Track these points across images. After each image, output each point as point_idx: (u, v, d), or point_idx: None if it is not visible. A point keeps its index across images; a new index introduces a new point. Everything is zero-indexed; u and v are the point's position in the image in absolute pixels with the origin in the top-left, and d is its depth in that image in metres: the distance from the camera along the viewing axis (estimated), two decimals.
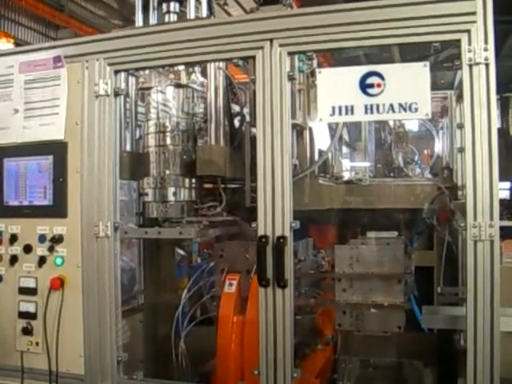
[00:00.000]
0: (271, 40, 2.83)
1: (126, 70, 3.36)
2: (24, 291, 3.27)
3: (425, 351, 3.76)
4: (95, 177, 3.14)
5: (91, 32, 13.18)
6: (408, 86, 2.72)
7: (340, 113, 2.79)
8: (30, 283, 3.27)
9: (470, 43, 2.56)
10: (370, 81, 2.75)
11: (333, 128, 4.22)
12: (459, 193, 3.91)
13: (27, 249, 3.28)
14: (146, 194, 3.66)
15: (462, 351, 2.68)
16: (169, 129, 3.66)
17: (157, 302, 4.13)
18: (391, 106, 2.72)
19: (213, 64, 3.56)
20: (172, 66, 3.54)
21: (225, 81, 3.70)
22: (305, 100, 3.97)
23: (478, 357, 2.55)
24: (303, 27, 2.79)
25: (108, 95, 3.14)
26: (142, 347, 3.98)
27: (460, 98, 3.46)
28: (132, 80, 3.90)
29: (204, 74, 3.75)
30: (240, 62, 3.07)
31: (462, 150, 2.95)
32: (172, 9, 3.77)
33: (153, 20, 3.83)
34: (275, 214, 2.81)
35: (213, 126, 3.59)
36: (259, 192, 2.85)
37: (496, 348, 2.53)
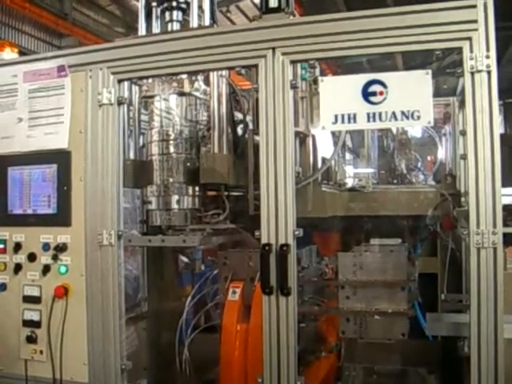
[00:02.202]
0: (273, 49, 2.84)
1: (129, 79, 3.37)
2: (28, 299, 3.28)
3: (429, 358, 3.75)
4: (99, 185, 3.15)
5: (95, 40, 13.27)
6: (410, 93, 2.72)
7: (342, 121, 2.80)
8: (34, 291, 3.27)
9: (471, 51, 2.57)
10: (372, 89, 2.76)
11: (336, 135, 4.23)
12: (462, 199, 3.90)
13: (31, 257, 3.29)
14: (150, 202, 3.67)
15: (466, 358, 2.68)
16: (172, 137, 3.67)
17: (160, 310, 4.13)
18: (393, 113, 2.73)
19: (215, 72, 3.58)
20: (175, 74, 3.55)
21: (228, 88, 3.71)
22: (308, 107, 3.97)
23: (482, 364, 2.54)
24: (305, 36, 2.80)
25: (111, 104, 3.15)
26: (146, 355, 3.97)
27: (462, 104, 3.46)
28: (135, 88, 3.91)
29: (207, 81, 3.76)
30: (242, 71, 3.07)
31: (464, 156, 2.95)
32: (175, 17, 3.80)
33: (156, 29, 3.85)
34: (278, 221, 2.81)
35: (216, 133, 3.61)
36: (262, 200, 2.86)
37: (500, 355, 2.53)
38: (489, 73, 2.56)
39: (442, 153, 6.76)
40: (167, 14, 3.81)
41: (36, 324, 3.25)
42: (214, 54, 2.97)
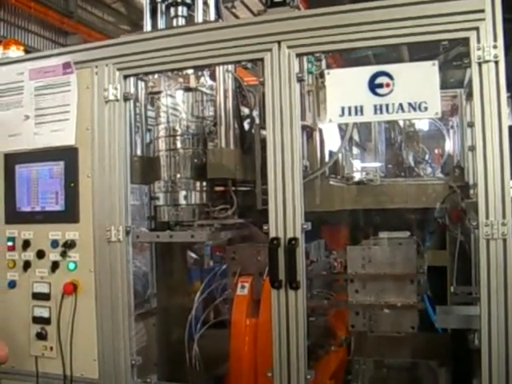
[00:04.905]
0: (279, 42, 2.83)
1: (135, 75, 3.37)
2: (37, 296, 3.30)
3: (439, 351, 3.74)
4: (106, 181, 3.15)
5: (100, 38, 13.25)
6: (417, 85, 2.71)
7: (349, 113, 2.79)
8: (43, 288, 3.29)
9: (478, 41, 2.55)
10: (378, 81, 2.74)
11: (343, 129, 4.22)
12: (471, 191, 3.89)
13: (40, 254, 3.30)
14: (158, 198, 3.67)
15: (477, 351, 2.67)
16: (179, 132, 3.67)
17: (170, 306, 4.13)
18: (400, 105, 2.71)
19: (221, 67, 3.57)
20: (181, 69, 3.55)
21: (234, 83, 3.71)
22: (314, 101, 3.96)
23: (493, 356, 2.53)
24: (311, 28, 2.79)
25: (117, 100, 3.15)
26: (156, 350, 3.98)
27: (470, 96, 3.44)
28: (141, 84, 3.91)
29: (213, 77, 3.76)
30: (249, 65, 3.06)
31: (472, 148, 2.93)
32: (180, 13, 3.78)
33: (161, 24, 3.84)
34: (286, 215, 2.81)
35: (223, 128, 3.60)
36: (270, 194, 2.85)
37: (511, 347, 2.51)
38: (496, 63, 2.53)
39: (449, 145, 6.74)
40: (172, 9, 3.80)
41: (46, 321, 3.26)
42: (220, 48, 2.96)
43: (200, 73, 3.74)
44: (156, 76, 3.73)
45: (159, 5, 3.85)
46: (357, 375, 3.83)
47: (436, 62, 2.72)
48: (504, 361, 2.52)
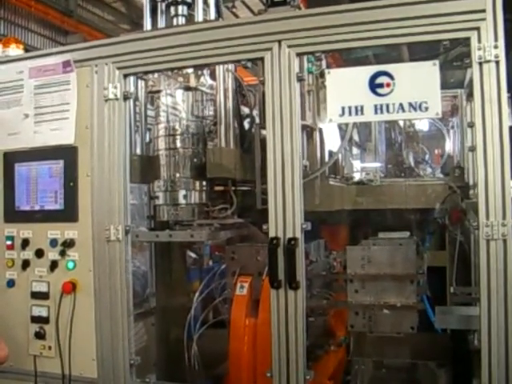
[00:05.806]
0: (279, 41, 2.82)
1: (134, 74, 3.36)
2: (36, 295, 3.29)
3: (438, 352, 3.73)
4: (105, 181, 3.15)
5: (100, 37, 13.27)
6: (418, 85, 2.70)
7: (350, 113, 2.78)
8: (42, 287, 3.28)
9: (479, 41, 2.54)
10: (379, 80, 2.73)
11: (343, 129, 4.22)
12: (471, 192, 3.88)
13: (39, 253, 3.29)
14: (157, 197, 3.67)
15: (477, 351, 2.66)
16: (179, 132, 3.66)
17: (169, 305, 4.13)
18: (401, 105, 2.70)
19: (221, 66, 3.57)
20: (180, 68, 3.54)
21: (234, 83, 3.70)
22: (314, 101, 3.96)
23: (493, 357, 2.52)
24: (311, 28, 2.78)
25: (117, 99, 3.14)
26: (155, 350, 3.97)
27: (470, 96, 3.43)
28: (141, 83, 3.90)
29: (213, 76, 3.75)
30: (249, 64, 3.06)
31: (473, 148, 2.92)
32: (180, 12, 3.78)
33: (161, 23, 3.84)
34: (286, 215, 2.80)
35: (222, 128, 3.60)
36: (270, 194, 2.84)
37: (511, 347, 2.51)
38: (497, 63, 2.52)
39: (449, 145, 6.75)
40: (172, 8, 3.80)
41: (44, 320, 3.25)
42: (220, 47, 2.95)
43: (200, 72, 3.73)
44: (156, 75, 3.72)
45: (159, 4, 3.85)
46: (356, 376, 3.83)
47: (437, 62, 2.71)
48: (504, 361, 2.52)
